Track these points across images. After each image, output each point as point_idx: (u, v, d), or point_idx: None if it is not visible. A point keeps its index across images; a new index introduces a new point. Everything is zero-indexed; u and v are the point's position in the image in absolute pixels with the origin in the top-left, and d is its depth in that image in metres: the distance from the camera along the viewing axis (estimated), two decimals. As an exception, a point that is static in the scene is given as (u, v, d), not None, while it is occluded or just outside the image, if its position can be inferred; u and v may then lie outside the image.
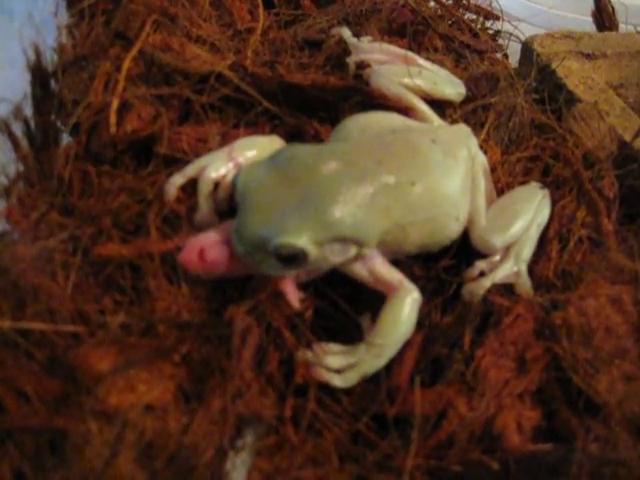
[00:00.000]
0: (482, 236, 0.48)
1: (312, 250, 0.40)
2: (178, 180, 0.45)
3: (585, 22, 0.84)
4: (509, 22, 0.73)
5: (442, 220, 0.46)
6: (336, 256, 0.42)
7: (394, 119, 0.50)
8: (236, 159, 0.46)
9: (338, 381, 0.42)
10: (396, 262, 0.47)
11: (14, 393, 0.39)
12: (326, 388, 0.42)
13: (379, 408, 0.42)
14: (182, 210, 0.46)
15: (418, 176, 0.45)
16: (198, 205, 0.45)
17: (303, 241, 0.40)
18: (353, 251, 0.43)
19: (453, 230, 0.47)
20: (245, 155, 0.46)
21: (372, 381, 0.43)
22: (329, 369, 0.42)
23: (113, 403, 0.39)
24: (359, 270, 0.44)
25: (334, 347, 0.43)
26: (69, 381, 0.39)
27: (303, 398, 0.42)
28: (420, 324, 0.46)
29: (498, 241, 0.48)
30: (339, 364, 0.42)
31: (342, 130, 0.48)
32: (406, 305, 0.43)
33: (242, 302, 0.43)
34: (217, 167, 0.45)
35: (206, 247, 0.41)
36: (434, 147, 0.47)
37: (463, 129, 0.52)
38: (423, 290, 0.48)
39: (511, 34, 0.74)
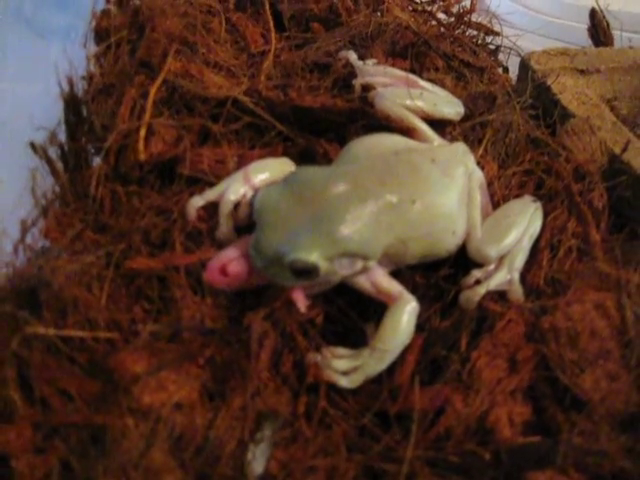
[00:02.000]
0: (478, 247, 0.52)
1: (323, 264, 0.45)
2: (198, 202, 0.50)
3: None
4: (507, 38, 0.76)
5: (440, 235, 0.50)
6: (344, 269, 0.47)
7: (396, 140, 0.54)
8: (251, 181, 0.51)
9: (344, 382, 0.46)
10: (397, 271, 0.52)
11: (59, 393, 0.44)
12: (335, 387, 0.47)
13: (383, 405, 0.47)
14: (204, 227, 0.50)
15: (418, 194, 0.49)
16: (219, 224, 0.50)
17: (315, 257, 0.44)
18: (360, 265, 0.47)
19: (450, 243, 0.51)
20: (259, 177, 0.51)
21: (376, 381, 0.48)
22: (336, 371, 0.46)
23: (147, 401, 0.43)
24: (363, 282, 0.49)
25: (341, 351, 0.48)
26: (107, 382, 0.44)
27: (315, 396, 0.47)
28: (421, 328, 0.50)
29: (492, 251, 0.52)
30: (345, 367, 0.47)
31: (348, 152, 0.53)
32: (405, 314, 0.47)
33: (259, 309, 0.48)
34: (235, 190, 0.50)
35: (227, 263, 0.46)
36: (433, 167, 0.52)
37: (461, 147, 0.56)
38: (424, 297, 0.53)
39: (511, 49, 0.78)
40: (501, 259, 0.53)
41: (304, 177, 0.48)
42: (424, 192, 0.50)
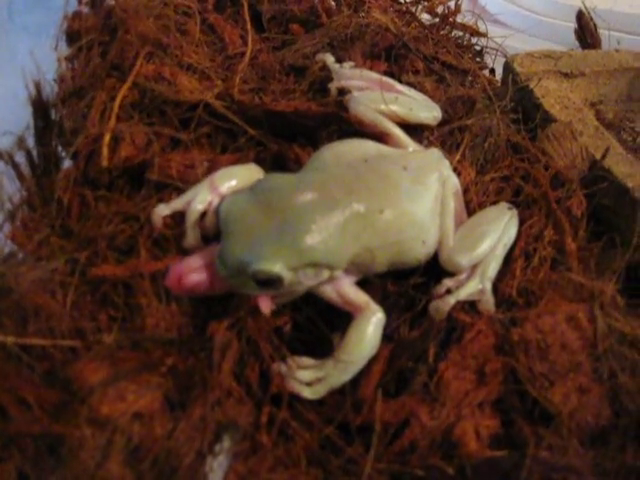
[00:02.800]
0: (449, 256, 0.51)
1: (287, 275, 0.44)
2: (164, 211, 0.50)
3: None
4: (492, 39, 0.75)
5: (409, 244, 0.50)
6: (310, 280, 0.46)
7: (368, 146, 0.53)
8: (218, 189, 0.50)
9: (307, 393, 0.46)
10: (367, 280, 0.51)
11: (17, 402, 0.43)
12: (299, 398, 0.46)
13: (346, 417, 0.46)
14: (170, 234, 0.50)
15: (387, 203, 0.48)
16: (185, 233, 0.49)
17: (278, 267, 0.44)
18: (325, 275, 0.47)
19: (420, 252, 0.51)
20: (226, 185, 0.50)
21: (341, 392, 0.47)
22: (300, 382, 0.46)
23: (105, 412, 0.43)
24: (329, 292, 0.48)
25: (306, 361, 0.47)
26: (66, 392, 0.44)
27: (278, 406, 0.46)
28: (389, 338, 0.50)
29: (464, 261, 0.51)
30: (309, 377, 0.46)
31: (318, 158, 0.52)
32: (371, 325, 0.46)
33: (224, 318, 0.48)
34: (202, 199, 0.49)
35: (184, 274, 0.45)
36: (404, 174, 0.51)
37: (435, 154, 0.55)
38: (394, 306, 0.52)
39: (497, 50, 0.77)
40: (473, 268, 0.52)
41: (271, 185, 0.47)
42: (393, 201, 0.49)
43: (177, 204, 0.50)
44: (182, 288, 0.45)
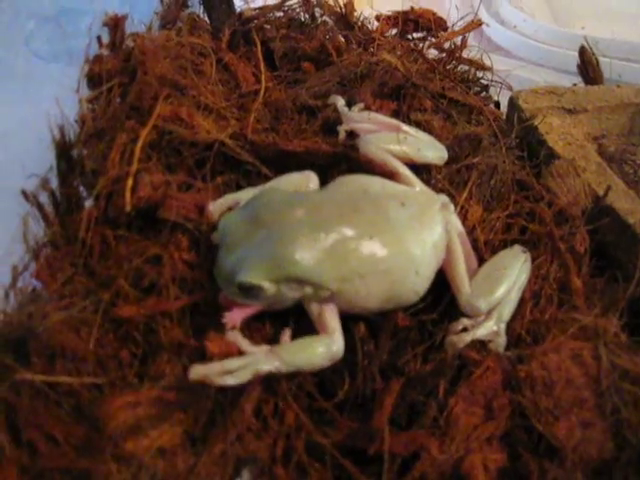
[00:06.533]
0: (468, 301, 0.53)
1: (268, 286, 0.47)
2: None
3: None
4: (496, 74, 0.77)
5: (401, 273, 0.51)
6: (293, 292, 0.49)
7: (374, 181, 0.55)
8: None
9: (231, 380, 0.45)
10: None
11: (45, 438, 0.45)
12: (315, 427, 0.48)
13: (362, 445, 0.48)
14: (190, 273, 0.52)
15: (377, 232, 0.50)
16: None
17: (259, 279, 0.47)
18: (309, 290, 0.49)
19: (414, 283, 0.52)
20: None
21: (357, 421, 0.49)
22: (226, 371, 0.45)
23: (129, 447, 0.45)
24: (313, 308, 0.50)
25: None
26: (92, 428, 0.45)
27: (294, 439, 0.48)
28: (400, 372, 0.52)
29: (483, 305, 0.53)
30: (236, 365, 0.46)
31: (326, 186, 0.55)
32: (324, 346, 0.48)
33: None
34: None
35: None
36: (401, 209, 0.53)
37: (437, 198, 0.56)
38: (405, 340, 0.54)
39: (502, 83, 0.79)
40: (490, 310, 0.54)
41: (267, 200, 0.50)
42: (384, 230, 0.51)
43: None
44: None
